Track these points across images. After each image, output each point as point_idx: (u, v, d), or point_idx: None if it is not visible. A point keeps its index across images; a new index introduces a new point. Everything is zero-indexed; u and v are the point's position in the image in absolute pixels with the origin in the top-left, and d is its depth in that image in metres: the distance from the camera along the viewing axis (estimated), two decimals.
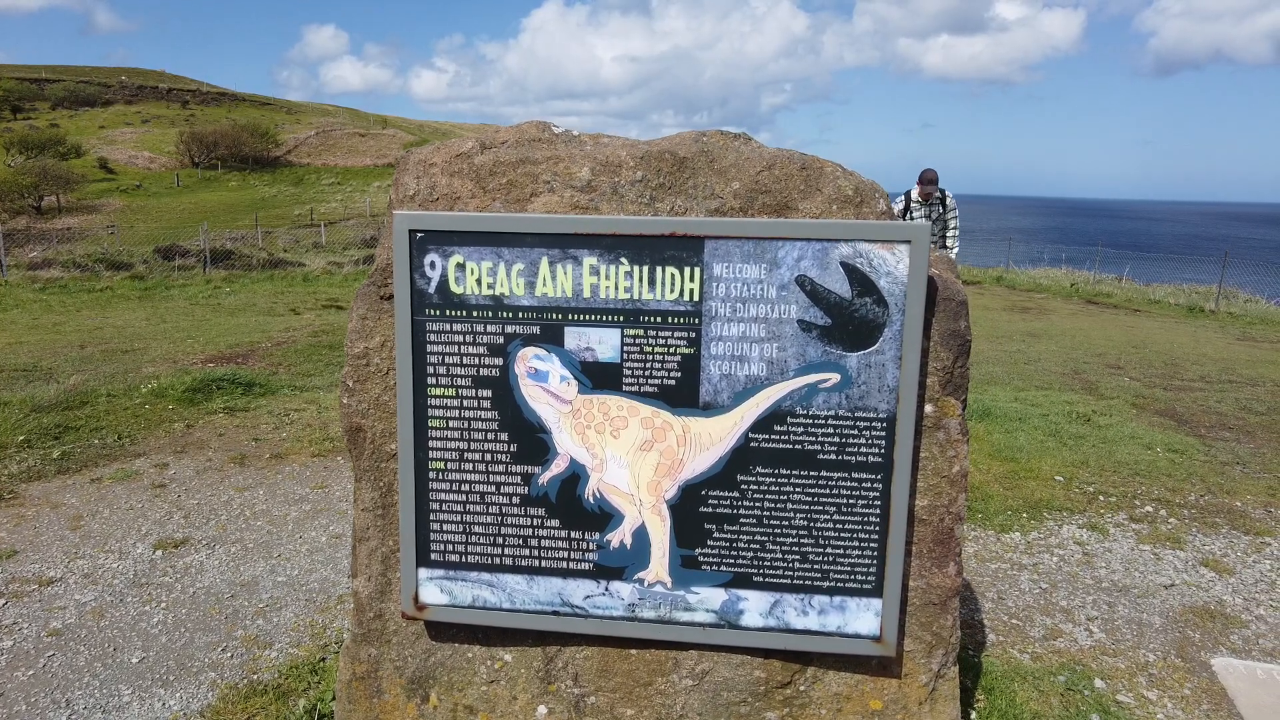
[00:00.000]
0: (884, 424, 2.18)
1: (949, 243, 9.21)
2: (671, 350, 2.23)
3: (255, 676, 3.35)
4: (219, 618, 3.84)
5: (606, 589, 2.35)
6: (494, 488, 2.37)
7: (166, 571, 4.30)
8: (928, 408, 2.26)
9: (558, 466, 2.33)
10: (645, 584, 2.34)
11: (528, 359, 2.28)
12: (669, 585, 2.32)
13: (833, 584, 2.27)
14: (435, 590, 2.43)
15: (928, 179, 9.07)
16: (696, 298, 2.20)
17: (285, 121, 72.80)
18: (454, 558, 2.42)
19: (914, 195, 9.02)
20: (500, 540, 2.40)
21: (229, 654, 3.53)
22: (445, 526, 2.41)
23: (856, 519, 2.24)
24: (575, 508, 2.34)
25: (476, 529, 2.40)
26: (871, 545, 2.24)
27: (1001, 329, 14.10)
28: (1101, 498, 5.55)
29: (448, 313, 2.29)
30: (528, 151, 2.39)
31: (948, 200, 9.14)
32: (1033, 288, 21.17)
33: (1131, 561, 4.65)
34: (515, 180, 2.37)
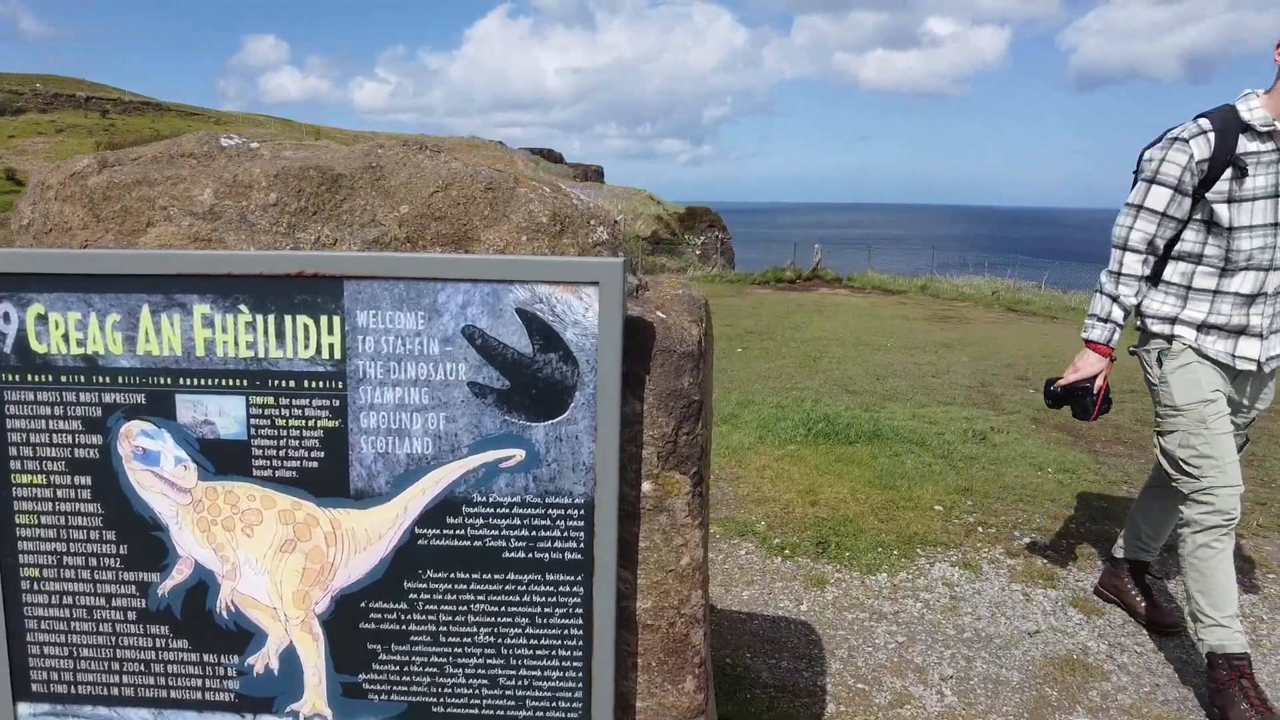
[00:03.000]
0: (581, 511, 1.71)
1: None
2: (311, 423, 1.73)
3: None
4: None
5: None
6: (104, 600, 1.84)
7: None
8: (645, 486, 1.80)
9: (180, 573, 1.80)
10: (300, 718, 1.83)
11: (133, 436, 1.76)
12: (329, 719, 1.82)
13: (531, 713, 1.79)
14: None
15: None
16: (339, 355, 1.71)
17: (213, 131, 70.42)
18: (61, 688, 1.87)
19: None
20: (118, 665, 1.86)
21: None
22: (47, 650, 1.86)
23: (555, 632, 1.76)
24: (207, 624, 1.82)
25: (87, 652, 1.86)
26: (576, 663, 1.77)
27: (916, 339, 13.96)
28: (980, 529, 5.22)
29: (30, 377, 1.75)
30: (148, 170, 1.87)
31: None
32: (955, 296, 21.27)
33: (999, 605, 4.30)
34: (130, 206, 1.85)
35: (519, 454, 1.70)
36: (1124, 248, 3.17)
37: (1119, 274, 3.20)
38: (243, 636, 1.81)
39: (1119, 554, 4.18)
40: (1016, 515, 5.45)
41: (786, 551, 4.88)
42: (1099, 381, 3.35)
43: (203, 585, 1.80)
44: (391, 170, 1.85)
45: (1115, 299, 3.22)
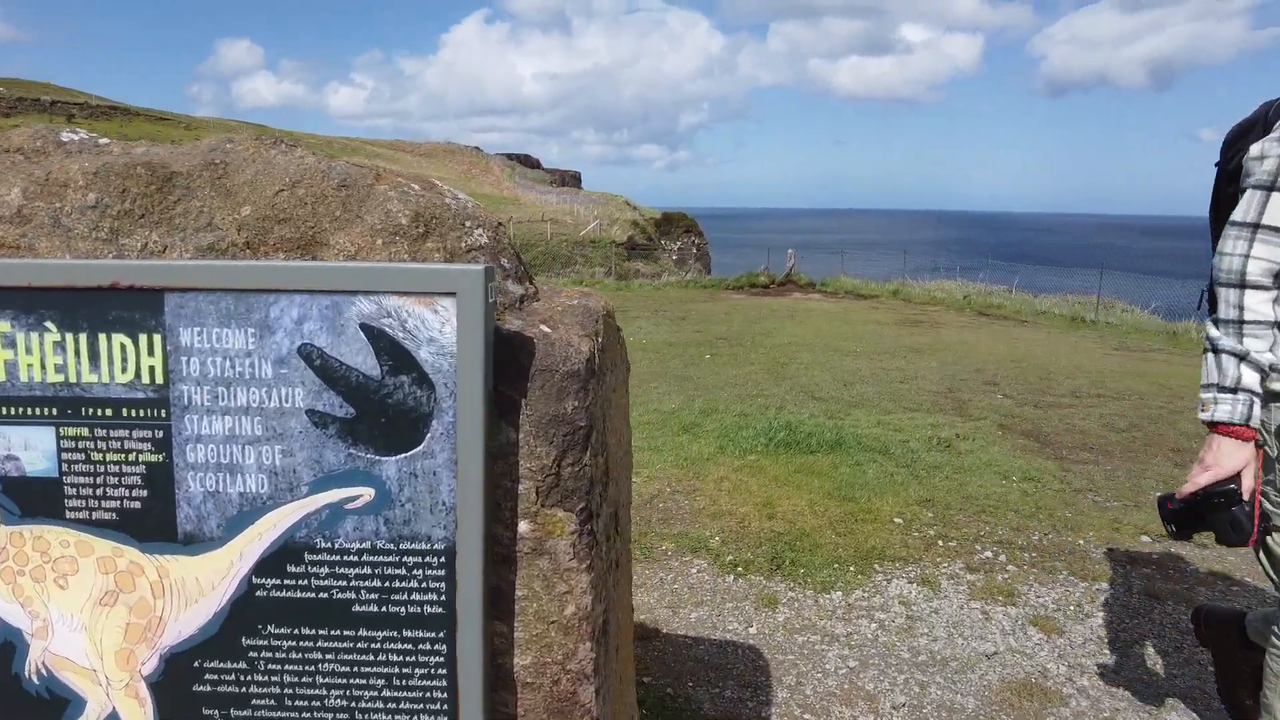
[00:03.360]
0: (442, 558, 1.49)
1: None
2: (132, 458, 1.50)
3: None
4: None
5: None
6: None
7: None
8: (522, 526, 1.59)
9: None
10: None
11: None
12: None
13: None
14: None
15: None
16: (160, 379, 1.48)
17: (183, 137, 69.37)
18: None
19: None
20: None
21: None
22: None
23: (416, 694, 1.54)
24: (13, 692, 1.57)
25: None
26: None
27: (886, 345, 13.87)
28: (941, 543, 5.05)
29: None
30: None
31: None
32: (928, 300, 21.27)
33: (957, 624, 4.12)
34: None
35: (367, 493, 1.48)
36: (1242, 284, 2.23)
37: (1241, 321, 2.25)
38: (57, 704, 1.57)
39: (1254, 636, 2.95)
40: (979, 527, 5.29)
41: (739, 569, 4.68)
42: (1248, 480, 2.24)
43: (9, 646, 1.56)
44: (237, 167, 1.63)
45: (1243, 357, 2.23)
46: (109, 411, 1.49)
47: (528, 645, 1.62)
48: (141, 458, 1.50)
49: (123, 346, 1.47)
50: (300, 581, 1.51)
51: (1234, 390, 2.24)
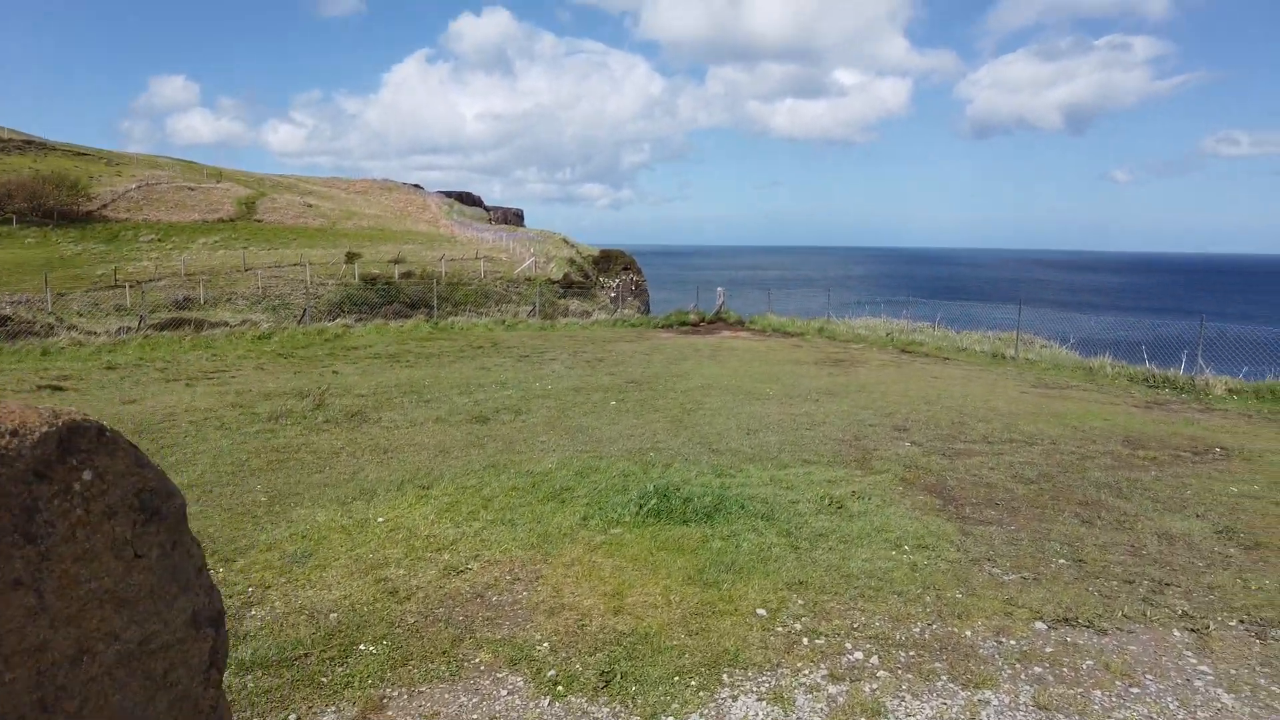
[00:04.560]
0: None
1: None
2: None
3: None
4: None
5: None
6: None
7: None
8: None
9: None
10: None
11: None
12: None
13: None
14: None
15: None
16: None
17: (104, 173, 66.91)
18: None
19: None
20: None
21: None
22: None
23: None
24: None
25: None
26: None
27: (802, 387, 13.30)
28: (806, 640, 4.31)
29: None
30: None
31: None
32: (851, 338, 20.94)
33: None
34: None
35: None
36: None
37: None
38: None
39: None
40: (854, 618, 4.57)
41: (560, 688, 3.87)
42: None
43: None
44: None
45: None
46: None
47: None
48: None
49: None
50: None
51: None
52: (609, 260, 49.50)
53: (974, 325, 20.81)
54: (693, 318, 26.53)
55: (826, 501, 6.72)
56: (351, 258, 40.11)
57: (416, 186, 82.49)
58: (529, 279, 39.48)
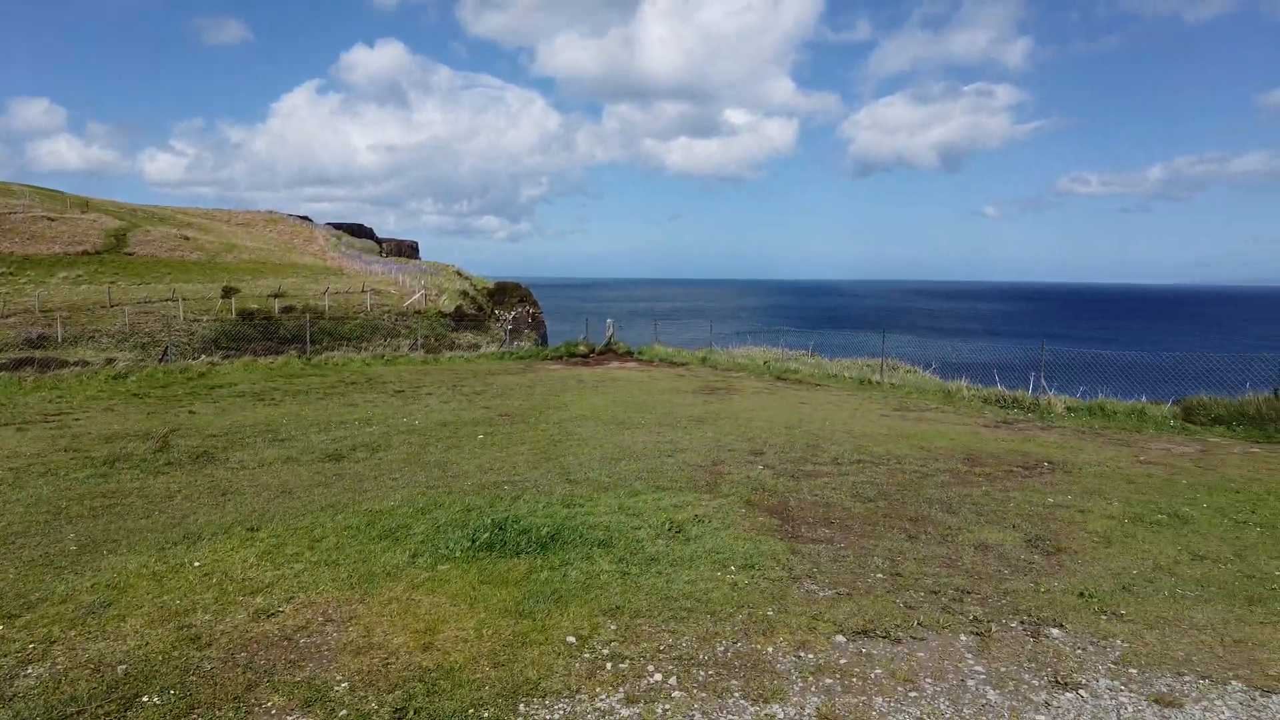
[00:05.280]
0: None
1: None
2: None
3: None
4: None
5: None
6: None
7: None
8: None
9: None
10: None
11: None
12: None
13: None
14: None
15: None
16: None
17: None
18: None
19: None
20: None
21: None
22: None
23: None
24: None
25: None
26: None
27: (675, 415, 13.51)
28: (610, 665, 4.34)
29: None
30: None
31: None
32: (732, 367, 21.45)
33: None
34: None
35: None
36: None
37: None
38: None
39: None
40: (662, 640, 4.63)
41: None
42: None
43: None
44: None
45: None
46: None
47: None
48: None
49: None
50: None
51: None
52: (504, 292, 49.15)
53: (847, 353, 21.68)
54: (582, 349, 26.60)
55: (668, 527, 6.81)
56: (229, 292, 38.42)
57: (305, 218, 79.97)
58: (418, 312, 38.72)
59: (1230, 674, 4.31)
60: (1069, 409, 14.49)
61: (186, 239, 56.41)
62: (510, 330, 46.63)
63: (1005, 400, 15.40)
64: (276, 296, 38.69)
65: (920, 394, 16.56)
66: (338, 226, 78.66)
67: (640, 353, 26.00)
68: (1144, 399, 14.73)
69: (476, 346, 30.23)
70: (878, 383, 17.78)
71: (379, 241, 79.58)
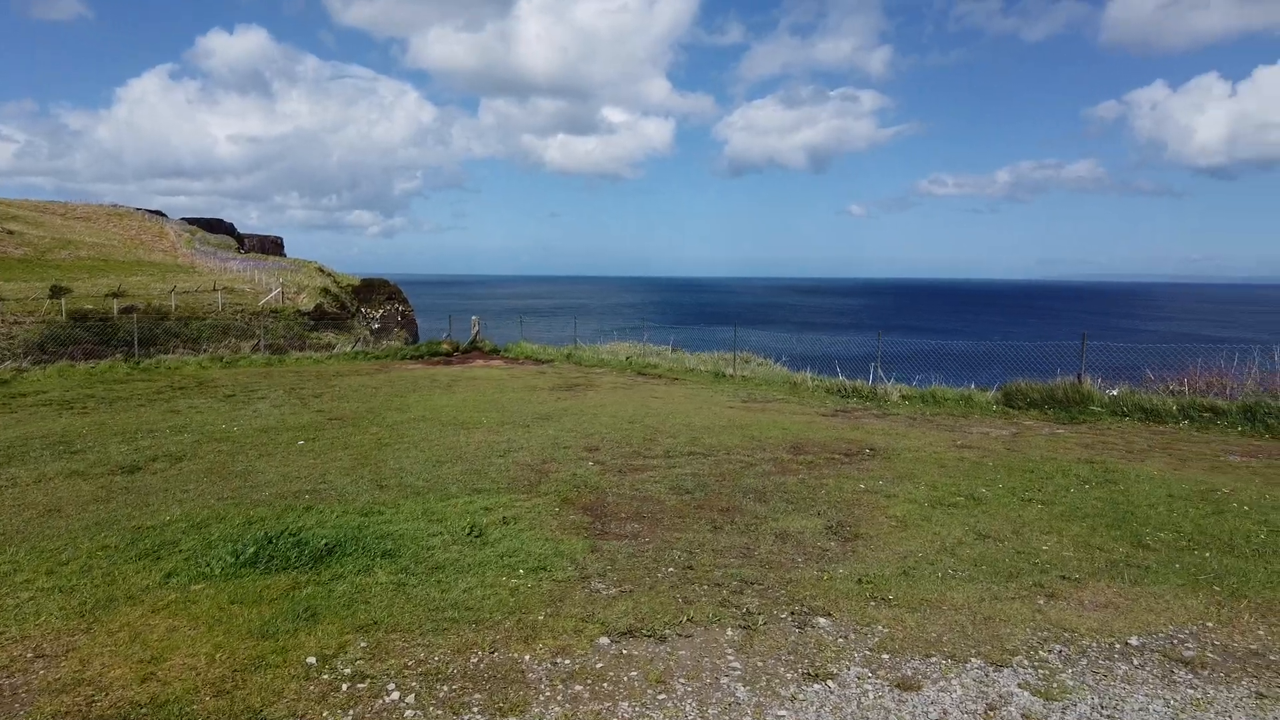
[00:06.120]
0: None
1: None
2: None
3: None
4: None
5: None
6: None
7: None
8: None
9: None
10: None
11: None
12: None
13: None
14: None
15: None
16: None
17: None
18: None
19: None
20: None
21: None
22: None
23: None
24: None
25: None
26: None
27: (523, 413, 13.20)
28: (347, 686, 4.02)
29: None
30: None
31: None
32: (595, 363, 21.32)
33: None
34: None
35: None
36: None
37: None
38: None
39: None
40: (413, 654, 4.35)
41: None
42: None
43: None
44: None
45: None
46: None
47: None
48: None
49: None
50: None
51: None
52: (371, 290, 47.31)
53: (708, 347, 21.96)
54: (445, 348, 25.83)
55: (468, 531, 6.52)
56: (58, 291, 35.14)
57: (157, 213, 74.49)
58: (275, 311, 36.65)
59: (973, 651, 4.43)
60: (904, 397, 15.12)
61: (10, 233, 51.35)
62: (378, 329, 44.93)
63: (846, 390, 15.93)
64: (116, 296, 35.72)
65: (768, 385, 16.92)
66: (193, 222, 73.74)
67: (506, 350, 25.51)
68: (972, 386, 15.57)
69: (331, 347, 28.86)
70: (730, 375, 18.05)
71: (239, 237, 75.09)
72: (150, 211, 74.82)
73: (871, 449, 10.29)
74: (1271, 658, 4.38)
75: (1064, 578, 5.57)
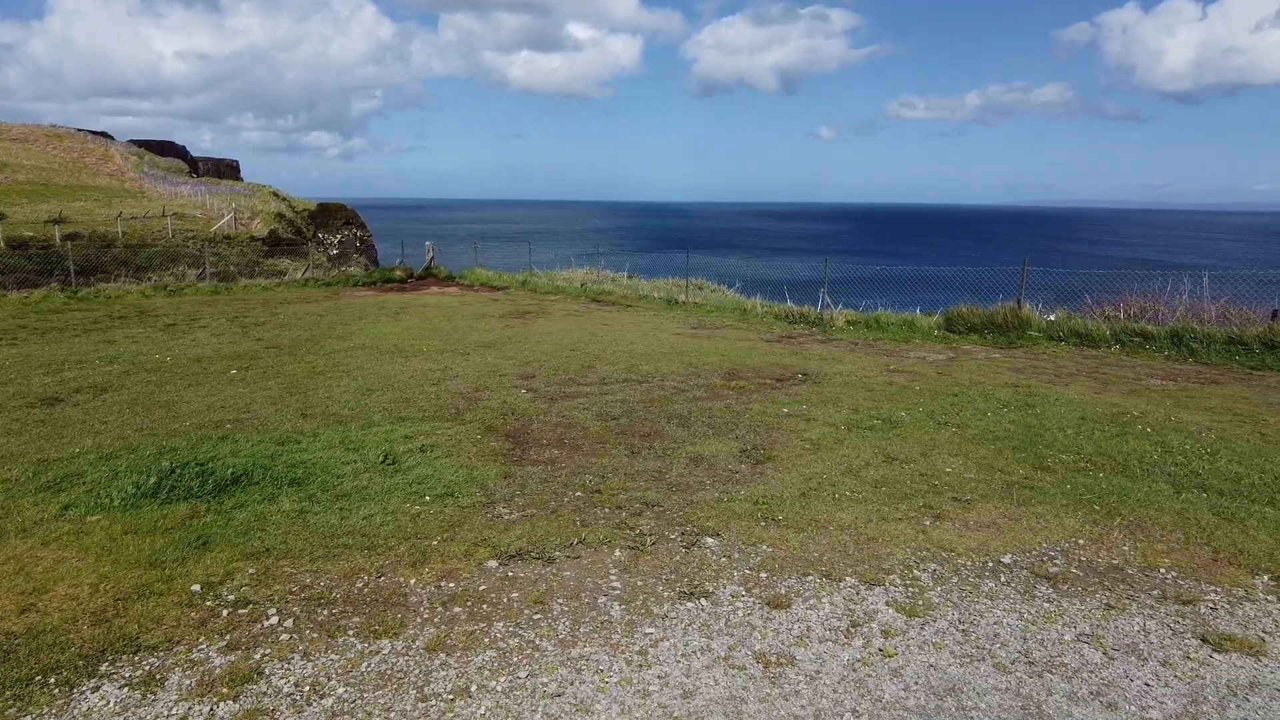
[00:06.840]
0: None
1: None
2: None
3: None
4: None
5: None
6: None
7: None
8: None
9: None
10: None
11: None
12: None
13: None
14: None
15: None
16: None
17: None
18: None
19: None
20: None
21: None
22: None
23: None
24: None
25: None
26: None
27: (466, 341, 13.13)
28: (228, 612, 4.07)
29: None
30: None
31: None
32: (551, 290, 21.16)
33: None
34: None
35: None
36: None
37: None
38: None
39: None
40: (300, 580, 4.40)
41: None
42: None
43: None
44: None
45: None
46: None
47: None
48: None
49: None
50: None
51: None
52: (328, 214, 46.15)
53: (667, 273, 21.85)
54: (399, 274, 25.44)
55: (382, 459, 6.54)
56: None
57: (102, 134, 71.44)
58: (227, 237, 35.70)
59: (849, 571, 4.59)
60: (849, 322, 15.24)
61: None
62: (336, 255, 44.03)
63: (794, 316, 16.01)
64: (57, 222, 34.52)
65: (719, 312, 16.95)
66: (142, 144, 70.87)
67: (462, 277, 25.20)
68: (917, 310, 15.71)
69: (282, 274, 28.29)
70: (682, 303, 18.04)
71: (192, 161, 72.52)
72: (94, 133, 71.76)
73: (804, 374, 10.41)
74: (1129, 571, 4.60)
75: (956, 499, 5.75)
